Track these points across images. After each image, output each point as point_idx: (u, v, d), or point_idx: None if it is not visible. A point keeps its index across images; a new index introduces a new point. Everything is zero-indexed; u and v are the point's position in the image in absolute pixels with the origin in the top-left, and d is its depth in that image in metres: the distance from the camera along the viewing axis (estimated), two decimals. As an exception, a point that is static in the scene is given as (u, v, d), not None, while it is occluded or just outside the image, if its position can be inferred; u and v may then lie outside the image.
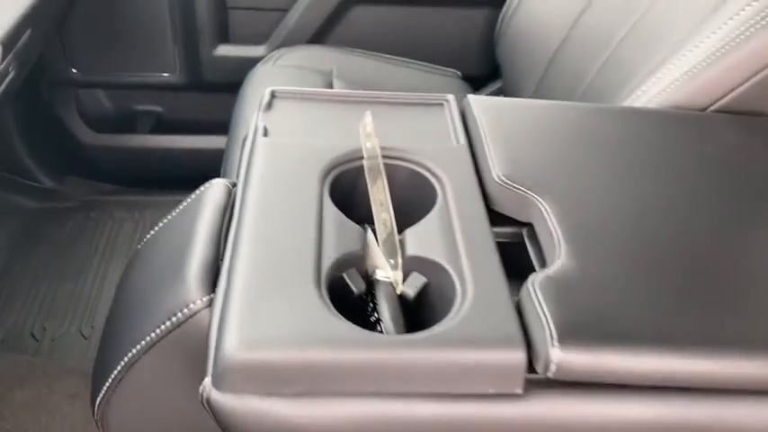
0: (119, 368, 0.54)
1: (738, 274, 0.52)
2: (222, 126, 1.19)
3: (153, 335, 0.52)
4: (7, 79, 0.89)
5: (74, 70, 1.34)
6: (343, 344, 0.43)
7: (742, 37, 0.71)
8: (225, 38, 1.35)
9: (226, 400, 0.44)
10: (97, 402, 0.56)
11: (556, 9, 1.10)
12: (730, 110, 0.74)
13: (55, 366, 1.01)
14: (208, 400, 0.44)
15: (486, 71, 1.33)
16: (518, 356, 0.44)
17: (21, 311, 1.15)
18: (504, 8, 1.20)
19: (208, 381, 0.44)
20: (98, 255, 1.30)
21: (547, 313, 0.45)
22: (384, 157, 0.59)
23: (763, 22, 0.70)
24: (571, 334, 0.44)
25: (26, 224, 1.34)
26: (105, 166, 1.45)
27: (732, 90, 0.74)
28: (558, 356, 0.43)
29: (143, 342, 0.52)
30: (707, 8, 0.77)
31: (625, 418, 0.46)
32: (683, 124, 0.71)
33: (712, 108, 0.75)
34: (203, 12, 1.30)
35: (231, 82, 1.25)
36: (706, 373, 0.45)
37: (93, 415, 0.58)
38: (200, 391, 0.45)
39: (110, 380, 0.55)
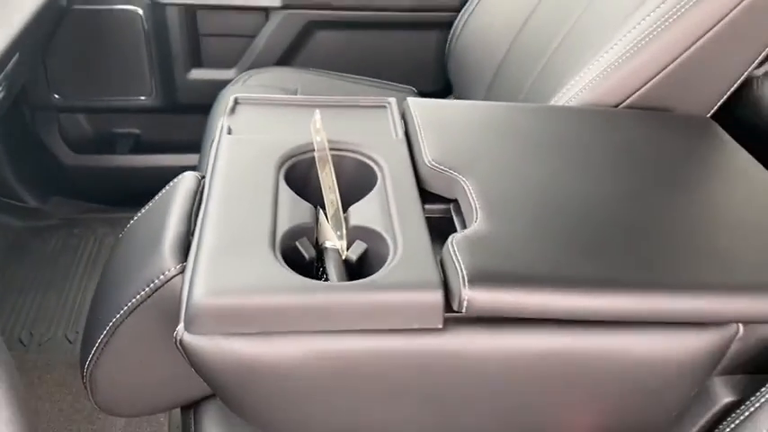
0: (105, 332, 0.63)
1: (626, 233, 0.62)
2: (196, 145, 1.28)
3: (134, 300, 0.61)
4: (-3, 99, 0.98)
5: (55, 96, 1.43)
6: (293, 290, 0.53)
7: (642, 42, 0.83)
8: (197, 62, 1.45)
9: (195, 341, 0.53)
10: (86, 366, 0.65)
11: (497, 27, 1.22)
12: (638, 106, 0.86)
13: (44, 360, 1.09)
14: (181, 342, 0.53)
15: (439, 87, 1.44)
16: (436, 296, 0.53)
17: (8, 320, 1.23)
18: (452, 29, 1.32)
19: (181, 326, 0.53)
20: (81, 267, 1.38)
21: (460, 262, 0.54)
22: (331, 149, 0.69)
23: (659, 30, 0.82)
24: (479, 277, 0.53)
25: (12, 241, 1.41)
26: (87, 186, 1.53)
27: (638, 89, 0.85)
28: (469, 295, 0.53)
29: (125, 307, 0.61)
30: (620, 19, 0.89)
31: (528, 348, 0.56)
32: (594, 119, 0.82)
33: (623, 105, 0.86)
34: (177, 38, 1.40)
35: (204, 104, 1.34)
36: (594, 307, 0.55)
37: (83, 379, 0.66)
38: (174, 335, 0.53)
39: (97, 344, 0.63)
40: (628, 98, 0.86)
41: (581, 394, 0.59)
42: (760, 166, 0.76)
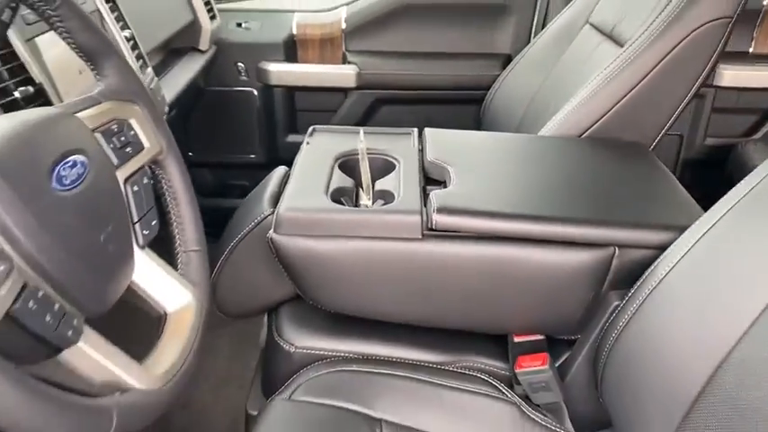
0: (226, 252, 1.03)
1: (552, 194, 0.97)
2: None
3: (245, 230, 1.01)
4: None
5: (190, 153, 1.93)
6: (336, 211, 0.92)
7: (594, 92, 1.20)
8: (294, 129, 1.93)
9: (279, 239, 0.92)
10: (213, 274, 1.05)
11: (515, 99, 1.62)
12: (595, 135, 1.22)
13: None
14: (271, 240, 0.92)
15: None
16: (416, 218, 0.90)
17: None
18: (483, 103, 1.73)
19: (271, 231, 0.93)
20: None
21: (434, 200, 0.92)
22: (368, 152, 1.09)
23: (605, 82, 1.19)
24: (444, 208, 0.90)
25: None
26: (207, 223, 1.99)
27: (594, 123, 1.21)
28: (436, 218, 0.90)
29: (239, 235, 1.02)
30: (585, 77, 1.27)
31: (476, 255, 0.91)
32: (557, 142, 1.18)
33: (584, 135, 1.22)
34: (280, 112, 1.89)
35: None
36: (518, 230, 0.90)
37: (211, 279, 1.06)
38: (267, 237, 0.93)
39: (220, 260, 1.04)
40: (587, 130, 1.22)
41: (514, 290, 0.93)
42: (667, 172, 1.10)
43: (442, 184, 1.05)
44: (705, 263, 0.80)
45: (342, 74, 1.84)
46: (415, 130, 1.21)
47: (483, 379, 0.97)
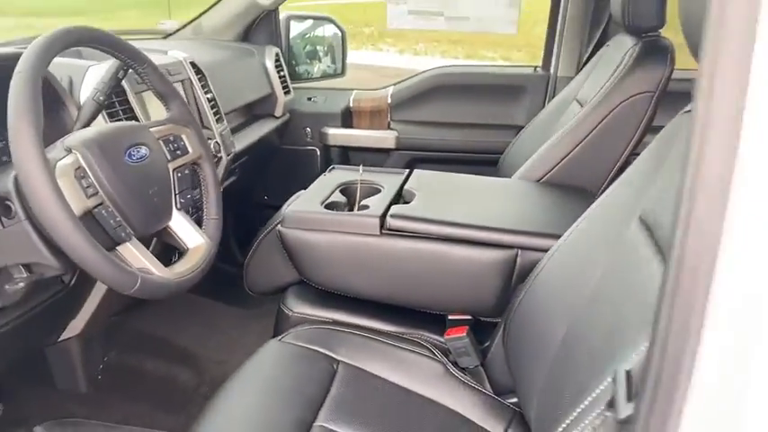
0: (254, 245, 1.45)
1: (484, 214, 1.32)
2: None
3: (267, 230, 1.43)
4: (229, 181, 1.93)
5: (266, 197, 2.41)
6: (324, 213, 1.32)
7: (555, 142, 1.56)
8: (346, 182, 2.38)
9: (285, 231, 1.33)
10: (245, 263, 1.47)
11: (520, 158, 1.97)
12: (552, 181, 1.56)
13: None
14: (279, 232, 1.34)
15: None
16: (376, 221, 1.29)
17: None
18: (498, 164, 2.10)
19: (280, 225, 1.34)
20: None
21: (392, 210, 1.30)
22: (362, 182, 1.49)
23: (561, 137, 1.54)
24: (396, 215, 1.29)
25: (228, 283, 2.34)
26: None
27: (548, 171, 1.56)
28: (390, 221, 1.28)
29: (263, 233, 1.44)
30: (550, 134, 1.63)
31: (421, 249, 1.27)
32: (516, 183, 1.54)
33: (543, 180, 1.57)
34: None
35: None
36: (450, 233, 1.26)
37: (243, 270, 1.48)
38: (277, 229, 1.34)
39: (250, 252, 1.46)
40: (546, 175, 1.57)
41: (446, 278, 1.27)
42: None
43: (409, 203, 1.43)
44: (562, 259, 1.12)
45: (384, 137, 2.28)
46: (407, 170, 1.60)
47: (423, 345, 1.31)
